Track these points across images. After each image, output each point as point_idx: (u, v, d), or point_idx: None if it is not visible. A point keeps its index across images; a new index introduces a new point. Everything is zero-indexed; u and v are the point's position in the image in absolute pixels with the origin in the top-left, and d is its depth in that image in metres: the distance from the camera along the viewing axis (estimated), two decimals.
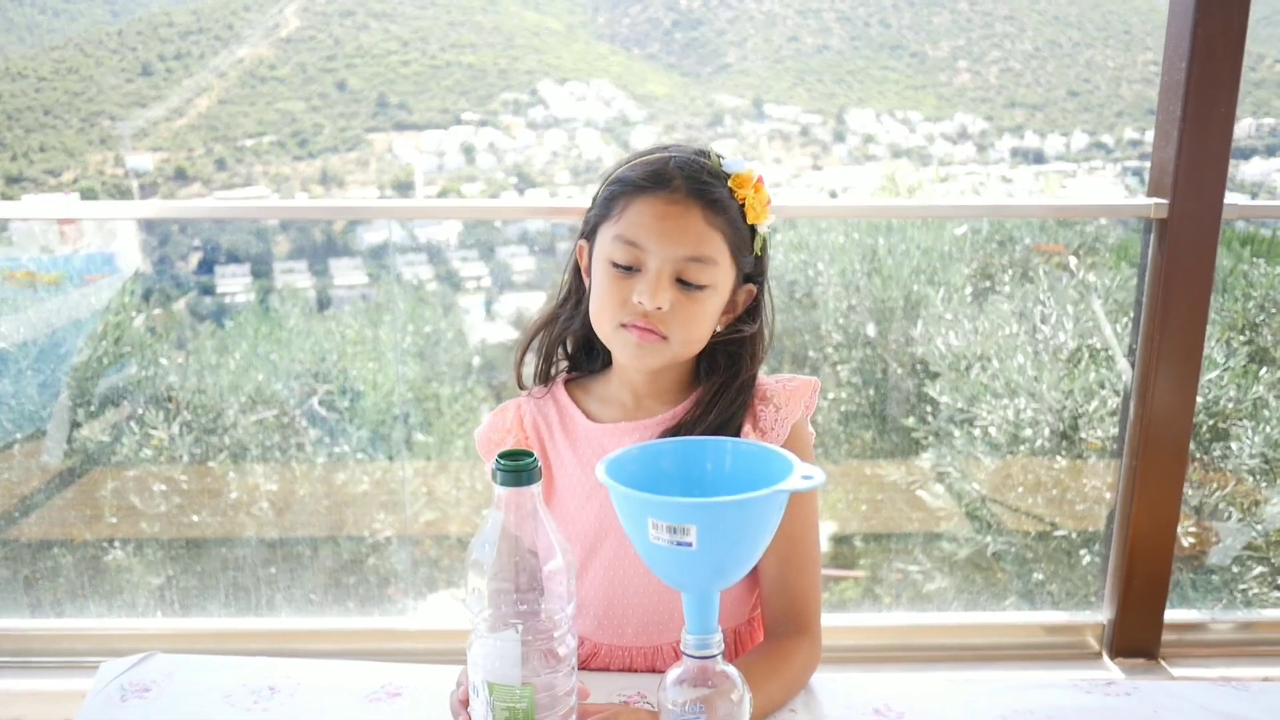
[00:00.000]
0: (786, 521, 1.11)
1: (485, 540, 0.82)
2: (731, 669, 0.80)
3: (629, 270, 1.07)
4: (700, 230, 1.06)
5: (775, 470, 0.79)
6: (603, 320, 1.11)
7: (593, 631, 1.17)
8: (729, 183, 1.09)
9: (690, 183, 1.06)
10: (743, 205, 1.09)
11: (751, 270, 1.14)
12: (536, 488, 0.82)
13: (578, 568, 1.17)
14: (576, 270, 1.20)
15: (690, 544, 0.74)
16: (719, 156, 1.12)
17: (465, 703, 0.92)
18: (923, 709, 1.05)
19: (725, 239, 1.07)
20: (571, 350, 1.23)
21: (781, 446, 1.09)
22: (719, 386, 1.13)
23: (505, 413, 1.23)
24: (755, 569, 1.15)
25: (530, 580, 0.83)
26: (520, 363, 1.23)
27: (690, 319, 1.07)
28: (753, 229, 1.12)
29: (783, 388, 1.16)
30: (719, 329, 1.15)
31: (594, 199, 1.16)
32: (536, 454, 1.20)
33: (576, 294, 1.21)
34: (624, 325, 1.08)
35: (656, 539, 0.75)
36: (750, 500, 0.74)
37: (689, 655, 0.79)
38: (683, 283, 1.06)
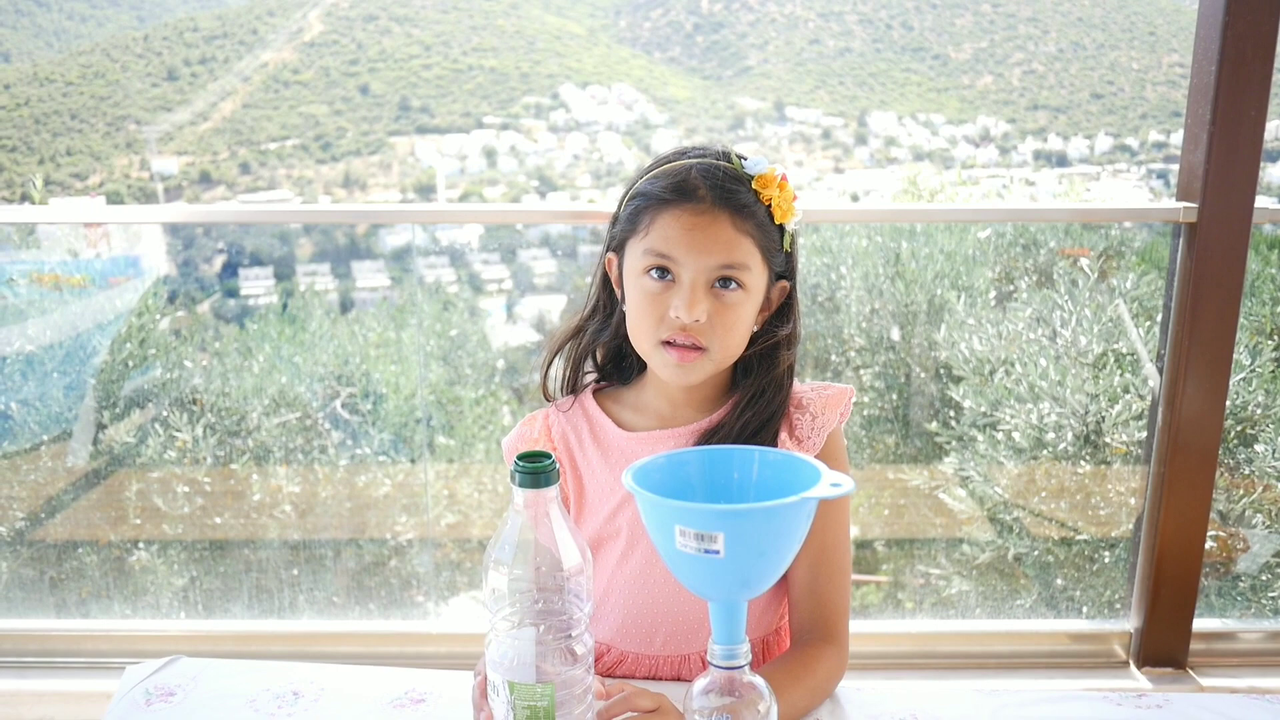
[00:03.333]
0: (818, 529, 1.10)
1: (505, 541, 0.83)
2: (759, 679, 0.79)
3: (663, 282, 1.07)
4: (730, 237, 1.05)
5: (803, 478, 0.78)
6: (641, 338, 1.11)
7: (620, 639, 1.16)
8: (753, 184, 1.08)
9: (716, 191, 1.06)
10: (769, 206, 1.09)
11: (783, 268, 1.14)
12: (554, 489, 0.82)
13: (609, 575, 1.16)
14: (605, 282, 1.19)
15: (718, 552, 0.73)
16: (740, 158, 1.11)
17: (484, 693, 0.92)
18: (949, 718, 1.04)
19: (755, 242, 1.07)
20: (601, 361, 1.22)
21: (817, 455, 1.09)
22: (756, 390, 1.13)
23: (533, 423, 1.23)
24: (784, 576, 1.14)
25: (548, 579, 0.83)
26: (546, 374, 1.23)
27: (728, 326, 1.07)
28: (781, 227, 1.11)
29: (819, 395, 1.15)
30: (755, 329, 1.14)
31: (616, 212, 1.16)
32: (565, 465, 1.19)
33: (606, 306, 1.20)
34: (664, 343, 1.08)
35: (684, 547, 0.74)
36: (778, 507, 0.73)
37: (716, 666, 0.78)
38: (719, 289, 1.06)
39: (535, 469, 0.81)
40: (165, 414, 2.56)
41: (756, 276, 1.08)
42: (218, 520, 2.61)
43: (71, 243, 2.60)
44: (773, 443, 1.12)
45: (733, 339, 1.09)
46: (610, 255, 1.17)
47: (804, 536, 0.77)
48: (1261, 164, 1.87)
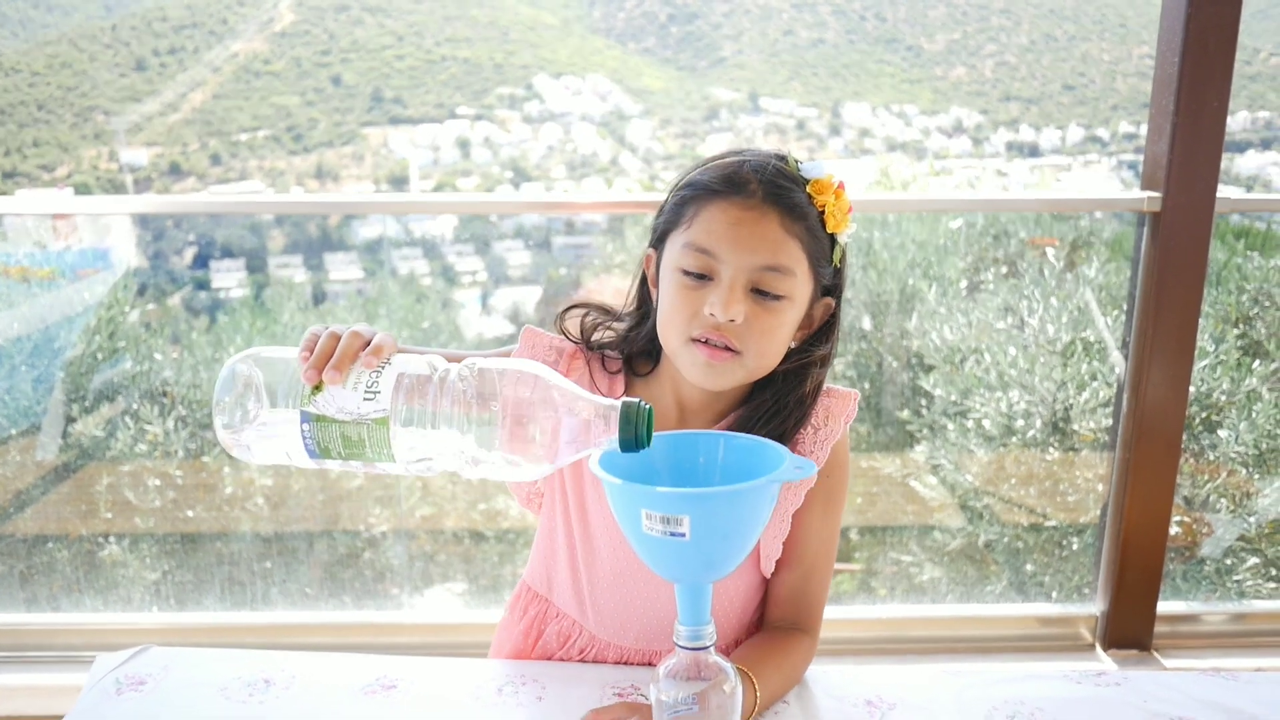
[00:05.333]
0: (814, 538, 1.11)
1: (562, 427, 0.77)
2: (724, 660, 0.80)
3: (700, 279, 1.01)
4: (777, 238, 1.00)
5: (768, 461, 0.79)
6: (670, 333, 1.04)
7: (595, 629, 1.16)
8: (808, 188, 1.02)
9: (767, 187, 1.00)
10: (822, 212, 1.03)
11: (830, 283, 1.07)
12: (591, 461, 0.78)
13: (586, 572, 1.14)
14: (644, 282, 1.14)
15: (684, 535, 0.74)
16: (797, 161, 1.06)
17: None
18: (914, 700, 1.06)
19: (803, 247, 1.01)
20: (627, 354, 1.15)
21: (820, 470, 1.05)
22: (776, 406, 1.07)
23: (561, 352, 1.14)
24: (768, 580, 1.14)
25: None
26: (564, 318, 1.15)
27: (765, 332, 1.01)
28: (832, 238, 1.05)
29: (822, 405, 1.10)
30: (793, 345, 1.08)
31: (662, 205, 1.09)
32: None
33: (643, 307, 1.14)
34: (694, 340, 1.01)
35: (650, 530, 0.75)
36: (743, 490, 0.74)
37: (682, 647, 0.79)
38: (758, 293, 1.00)
39: (637, 439, 0.76)
40: (135, 407, 2.54)
41: (801, 285, 1.02)
42: (189, 513, 2.59)
43: (39, 235, 2.58)
44: None
45: (770, 347, 1.02)
46: (650, 252, 1.11)
47: (768, 518, 0.78)
48: (1230, 155, 1.90)
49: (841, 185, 1.04)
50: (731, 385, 1.05)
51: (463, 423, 0.75)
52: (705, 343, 1.01)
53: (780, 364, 1.07)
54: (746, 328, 1.00)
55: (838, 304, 1.10)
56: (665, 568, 0.79)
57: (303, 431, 0.77)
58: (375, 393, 0.77)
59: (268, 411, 0.78)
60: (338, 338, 0.80)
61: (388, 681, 1.08)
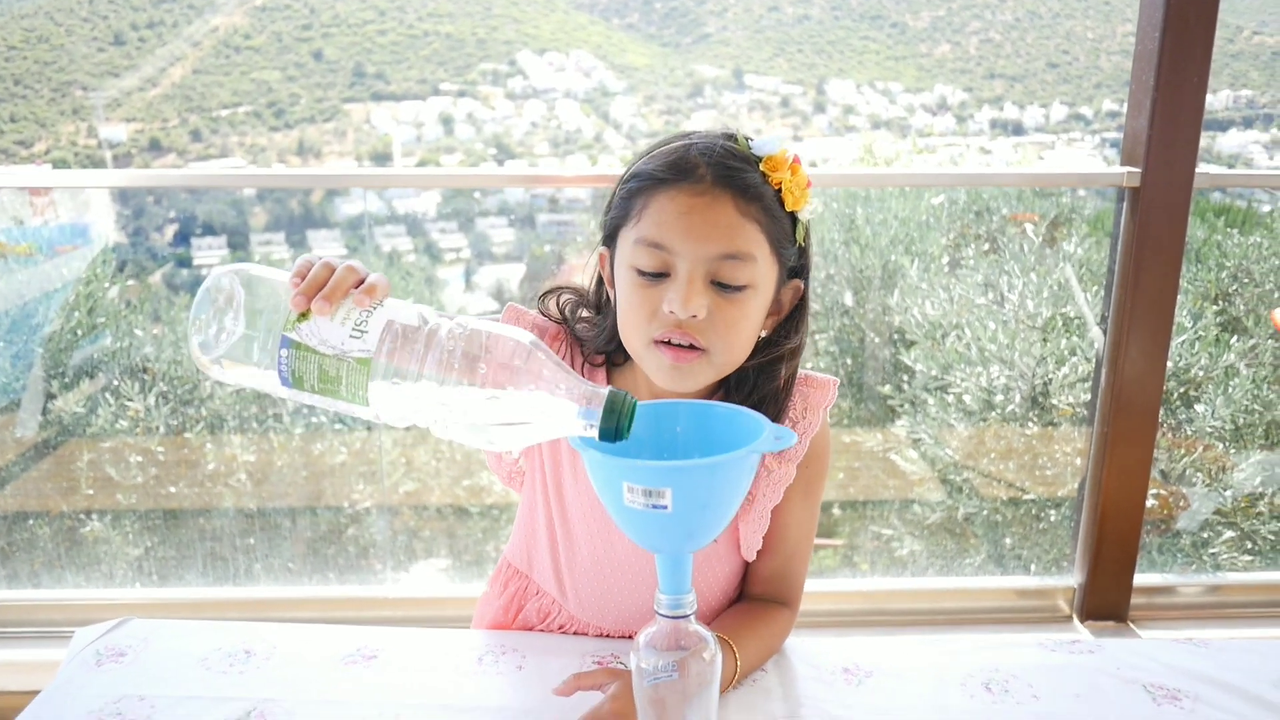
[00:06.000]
0: (795, 525, 1.11)
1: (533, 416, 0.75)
2: (704, 629, 0.81)
3: (656, 276, 0.95)
4: (732, 222, 0.93)
5: (747, 431, 0.80)
6: (631, 336, 0.98)
7: (575, 610, 1.17)
8: (761, 166, 0.96)
9: (717, 170, 0.94)
10: (779, 190, 0.96)
11: (795, 263, 1.01)
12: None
13: (571, 554, 1.14)
14: (600, 281, 1.08)
15: (665, 507, 0.74)
16: (748, 138, 0.99)
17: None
18: (890, 668, 1.07)
19: (762, 229, 0.95)
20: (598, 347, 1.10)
21: (799, 465, 1.04)
22: (743, 403, 1.00)
23: (545, 328, 1.10)
24: (748, 564, 1.14)
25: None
26: (543, 300, 1.12)
27: (731, 325, 0.95)
28: (793, 217, 0.98)
29: (800, 396, 1.06)
30: (764, 334, 1.03)
31: (610, 200, 1.03)
32: None
33: (603, 308, 1.09)
34: (656, 342, 0.96)
35: (631, 503, 0.75)
36: (724, 462, 0.74)
37: (662, 615, 0.80)
38: (719, 285, 0.94)
39: (617, 431, 0.74)
40: (116, 383, 2.53)
41: (764, 270, 0.96)
42: (171, 489, 2.59)
43: (17, 210, 2.55)
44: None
45: (737, 341, 0.97)
46: (602, 250, 1.05)
47: (749, 487, 0.78)
48: (1212, 134, 1.91)
49: (797, 159, 0.97)
50: (701, 385, 1.00)
51: (444, 381, 0.74)
52: (669, 344, 0.95)
53: (751, 357, 1.02)
54: (710, 323, 0.94)
55: (806, 285, 1.04)
56: (646, 539, 0.79)
57: (280, 357, 0.74)
58: (363, 332, 0.74)
59: (245, 331, 0.75)
60: (332, 269, 0.77)
61: (368, 652, 1.09)
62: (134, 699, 0.99)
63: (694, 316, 0.93)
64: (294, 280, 0.76)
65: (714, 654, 0.81)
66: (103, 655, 1.07)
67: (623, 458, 0.75)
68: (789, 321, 1.05)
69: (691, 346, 0.95)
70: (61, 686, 1.02)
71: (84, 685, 1.02)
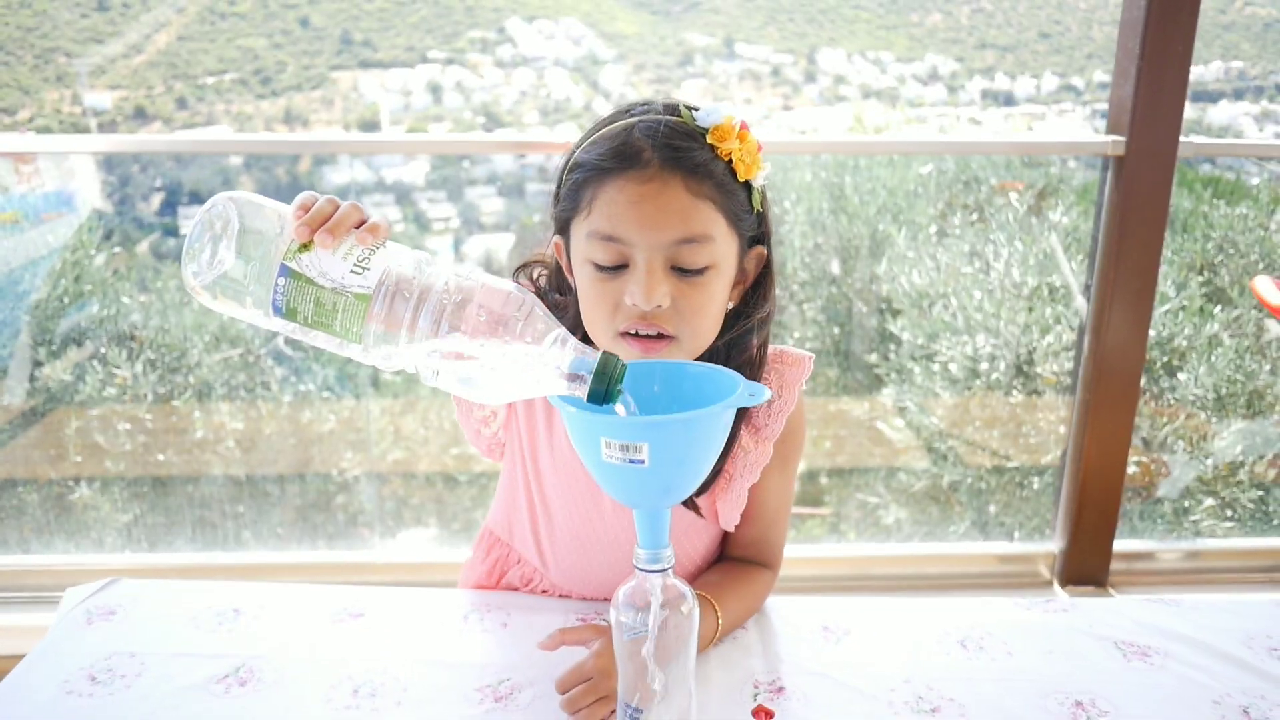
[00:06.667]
0: (773, 496, 1.12)
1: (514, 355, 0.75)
2: (682, 583, 0.82)
3: (615, 270, 0.92)
4: (685, 205, 0.90)
5: (721, 388, 0.81)
6: (596, 330, 0.96)
7: (556, 579, 1.18)
8: (708, 138, 0.93)
9: (663, 153, 0.90)
10: (729, 161, 0.93)
11: (755, 231, 0.99)
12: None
13: (550, 528, 1.15)
14: (559, 268, 1.05)
15: (642, 461, 0.75)
16: (691, 109, 0.95)
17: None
18: (867, 627, 1.09)
19: (717, 207, 0.92)
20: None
21: (773, 444, 1.04)
22: None
23: None
24: (728, 534, 1.15)
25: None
26: (518, 275, 1.10)
27: (697, 310, 0.93)
28: (748, 185, 0.95)
29: (775, 373, 1.06)
30: (732, 304, 1.01)
31: (557, 189, 0.99)
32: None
33: (563, 290, 1.06)
34: (623, 334, 0.93)
35: (609, 458, 0.76)
36: (699, 416, 0.76)
37: (641, 569, 0.81)
38: (679, 270, 0.92)
39: (606, 394, 0.74)
40: (103, 351, 2.53)
41: (724, 247, 0.94)
42: (160, 457, 2.59)
43: (2, 177, 2.53)
44: (734, 438, 1.04)
45: (705, 324, 0.95)
46: (557, 239, 1.01)
47: (723, 442, 0.79)
48: (1202, 105, 1.91)
49: (744, 126, 0.94)
50: None
51: (438, 327, 0.74)
52: (635, 335, 0.93)
53: (722, 333, 1.00)
54: (675, 310, 0.92)
55: (770, 251, 1.01)
56: (624, 494, 0.80)
57: (276, 285, 0.74)
58: (364, 269, 0.74)
59: (240, 258, 0.75)
60: (336, 205, 0.77)
61: (355, 610, 1.10)
62: (125, 655, 1.01)
63: (658, 307, 0.91)
64: (298, 212, 0.76)
65: (692, 607, 0.82)
66: (93, 614, 1.08)
67: (601, 414, 0.76)
68: (756, 289, 1.03)
69: (660, 335, 0.93)
70: (53, 644, 1.03)
71: (76, 642, 1.03)
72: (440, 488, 2.92)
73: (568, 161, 0.97)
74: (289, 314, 0.75)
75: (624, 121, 0.94)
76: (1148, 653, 1.04)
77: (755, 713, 0.88)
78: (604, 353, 0.76)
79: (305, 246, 0.75)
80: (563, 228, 0.99)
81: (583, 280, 0.96)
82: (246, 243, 0.75)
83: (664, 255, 0.91)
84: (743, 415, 1.05)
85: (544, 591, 1.19)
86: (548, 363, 0.75)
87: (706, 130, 0.93)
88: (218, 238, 0.75)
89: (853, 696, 0.97)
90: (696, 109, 0.95)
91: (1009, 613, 1.13)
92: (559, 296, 1.07)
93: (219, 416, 2.66)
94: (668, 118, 0.93)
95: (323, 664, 1.00)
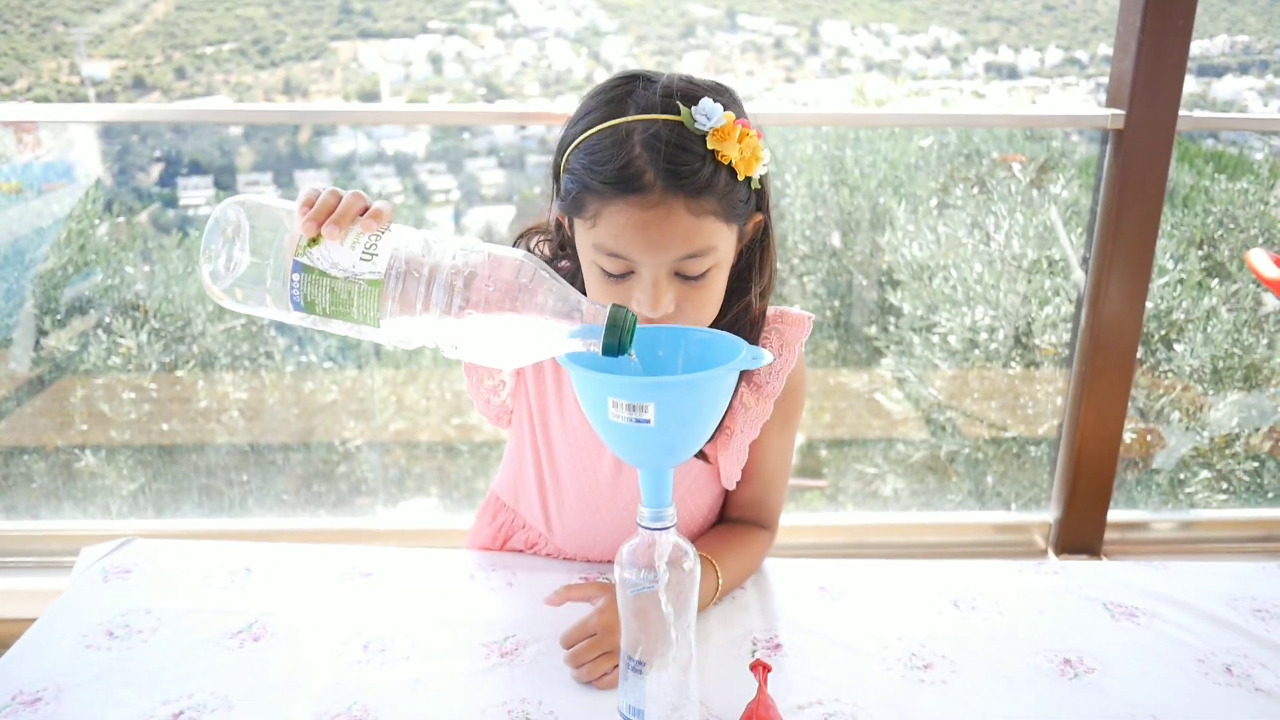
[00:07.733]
0: (773, 454, 1.14)
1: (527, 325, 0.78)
2: (684, 540, 0.85)
3: (621, 276, 0.96)
4: (688, 227, 0.92)
5: (724, 353, 0.83)
6: None
7: (562, 543, 1.21)
8: (708, 143, 0.92)
9: (666, 177, 0.90)
10: (730, 163, 0.93)
11: (755, 206, 1.00)
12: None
13: (558, 494, 1.17)
14: (561, 234, 1.07)
15: (648, 421, 0.78)
16: (690, 104, 0.92)
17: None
18: (863, 587, 1.12)
19: (719, 217, 0.93)
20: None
21: (775, 401, 1.07)
22: None
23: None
24: (728, 493, 1.18)
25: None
26: (521, 241, 1.12)
27: (701, 305, 0.97)
28: (747, 180, 0.96)
29: (775, 333, 1.08)
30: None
31: (556, 169, 1.00)
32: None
33: (565, 256, 1.08)
34: None
35: (616, 417, 0.79)
36: (704, 378, 0.78)
37: (644, 527, 0.83)
38: (683, 276, 0.95)
39: (620, 346, 0.78)
40: (108, 320, 2.54)
41: (725, 245, 0.96)
42: (165, 426, 2.62)
43: (3, 147, 2.54)
44: (735, 396, 1.04)
45: (706, 313, 0.99)
46: (561, 215, 1.03)
47: (726, 404, 0.82)
48: (1207, 79, 1.92)
49: (744, 124, 0.93)
50: None
51: (451, 301, 0.77)
52: None
53: (723, 312, 1.03)
54: (679, 308, 0.96)
55: (768, 217, 1.03)
56: (630, 453, 0.83)
57: (292, 281, 0.77)
58: (373, 254, 0.77)
59: (254, 259, 0.78)
60: (339, 196, 0.79)
61: (363, 570, 1.13)
62: (140, 612, 1.03)
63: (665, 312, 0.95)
64: (302, 208, 0.79)
65: (693, 565, 0.85)
66: (109, 572, 1.11)
67: (608, 374, 0.78)
68: (752, 253, 1.04)
69: None
70: (71, 600, 1.06)
71: (92, 599, 1.06)
72: (442, 457, 2.95)
73: (568, 146, 0.97)
74: (308, 307, 0.78)
75: (624, 123, 0.93)
76: (1135, 613, 1.07)
77: (753, 667, 0.91)
78: (613, 305, 0.79)
79: (314, 240, 0.78)
80: (565, 209, 0.99)
81: (590, 276, 0.99)
82: (258, 244, 0.78)
83: (669, 267, 0.94)
84: (744, 374, 1.07)
85: (548, 555, 1.22)
86: (560, 324, 0.78)
87: (706, 134, 0.92)
88: (230, 241, 0.78)
89: (847, 654, 1.00)
90: (696, 95, 0.93)
91: (1001, 575, 1.15)
92: (563, 264, 1.09)
93: (223, 386, 2.69)
94: (666, 118, 0.92)
95: (333, 620, 1.03)
